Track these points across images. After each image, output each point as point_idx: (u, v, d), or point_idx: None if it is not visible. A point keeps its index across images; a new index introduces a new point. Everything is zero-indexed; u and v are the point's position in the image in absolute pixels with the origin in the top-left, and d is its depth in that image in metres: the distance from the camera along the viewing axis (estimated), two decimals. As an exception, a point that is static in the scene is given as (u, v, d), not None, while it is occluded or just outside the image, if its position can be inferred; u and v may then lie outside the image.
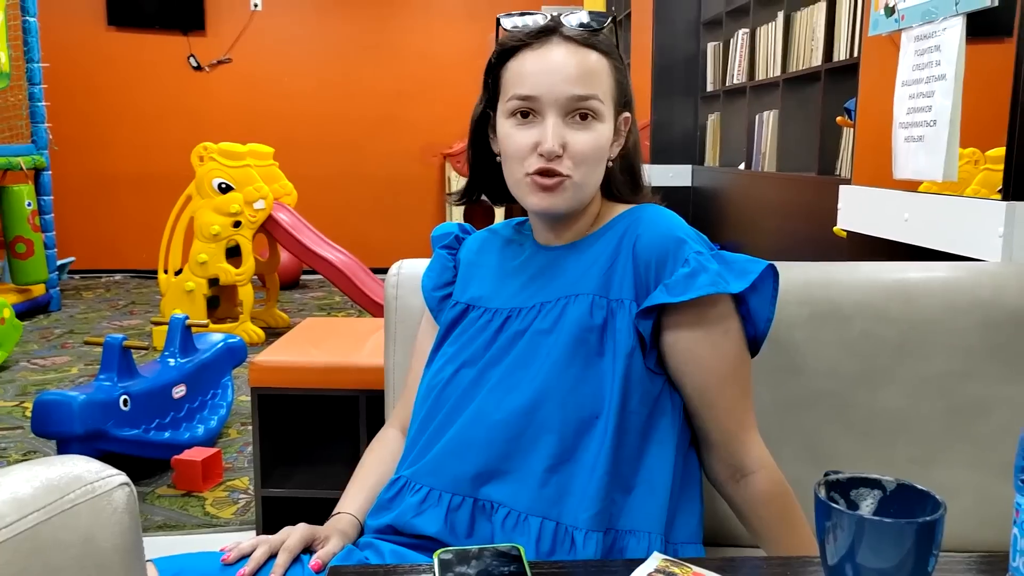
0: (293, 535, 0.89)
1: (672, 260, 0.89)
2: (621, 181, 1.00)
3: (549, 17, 0.92)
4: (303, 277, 6.26)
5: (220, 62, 6.48)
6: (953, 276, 1.22)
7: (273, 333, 4.53)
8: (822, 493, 0.59)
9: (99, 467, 0.54)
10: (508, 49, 0.93)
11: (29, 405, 3.27)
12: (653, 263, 0.90)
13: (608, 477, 0.86)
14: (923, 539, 0.55)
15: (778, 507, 0.93)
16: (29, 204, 4.86)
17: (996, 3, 1.38)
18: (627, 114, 0.97)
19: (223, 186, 4.33)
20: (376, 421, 1.77)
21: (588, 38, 0.91)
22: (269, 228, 4.49)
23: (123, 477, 0.54)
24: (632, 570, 0.66)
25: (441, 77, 6.61)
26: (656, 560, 0.66)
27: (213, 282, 4.39)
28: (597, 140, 0.91)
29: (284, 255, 5.12)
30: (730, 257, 0.91)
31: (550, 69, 0.89)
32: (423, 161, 6.72)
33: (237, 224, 4.34)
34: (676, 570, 0.65)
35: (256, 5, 6.48)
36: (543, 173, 0.90)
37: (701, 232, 0.96)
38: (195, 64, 6.45)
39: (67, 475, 0.51)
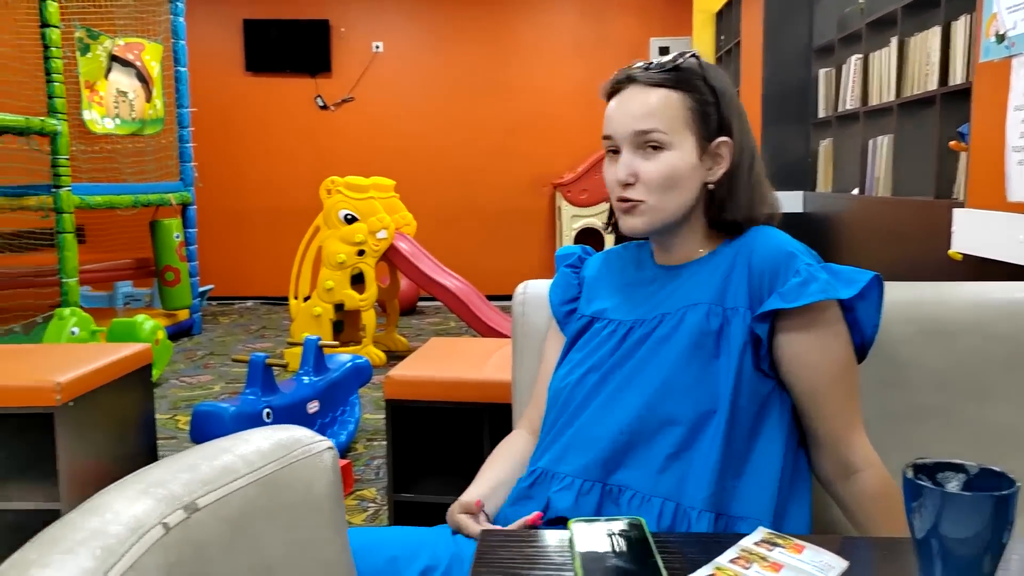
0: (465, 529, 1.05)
1: (784, 271, 0.99)
2: (724, 202, 1.07)
3: (641, 67, 1.07)
4: (419, 303, 6.53)
5: (344, 101, 6.89)
6: (1063, 295, 1.25)
7: (393, 356, 4.77)
8: (910, 474, 0.68)
9: (312, 434, 0.69)
10: (606, 99, 1.10)
11: (181, 417, 3.60)
12: (767, 274, 1.00)
13: (721, 465, 0.96)
14: (999, 512, 0.63)
15: (885, 504, 0.99)
16: (177, 236, 5.32)
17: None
18: (723, 139, 1.06)
19: (349, 217, 4.63)
20: (498, 433, 1.90)
21: (657, 79, 1.05)
22: (391, 256, 4.75)
23: (329, 442, 0.69)
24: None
25: (551, 111, 6.82)
26: (762, 532, 0.76)
27: (339, 307, 4.67)
28: (667, 167, 1.03)
29: (403, 282, 5.38)
30: (838, 268, 1.01)
31: (621, 111, 1.05)
32: (534, 192, 6.92)
33: (361, 253, 4.62)
34: (780, 541, 0.74)
35: (378, 47, 6.88)
36: (622, 200, 1.05)
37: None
38: (321, 104, 6.89)
39: (291, 437, 0.67)
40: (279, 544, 0.60)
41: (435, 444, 2.23)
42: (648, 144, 1.04)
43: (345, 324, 4.96)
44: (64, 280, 4.09)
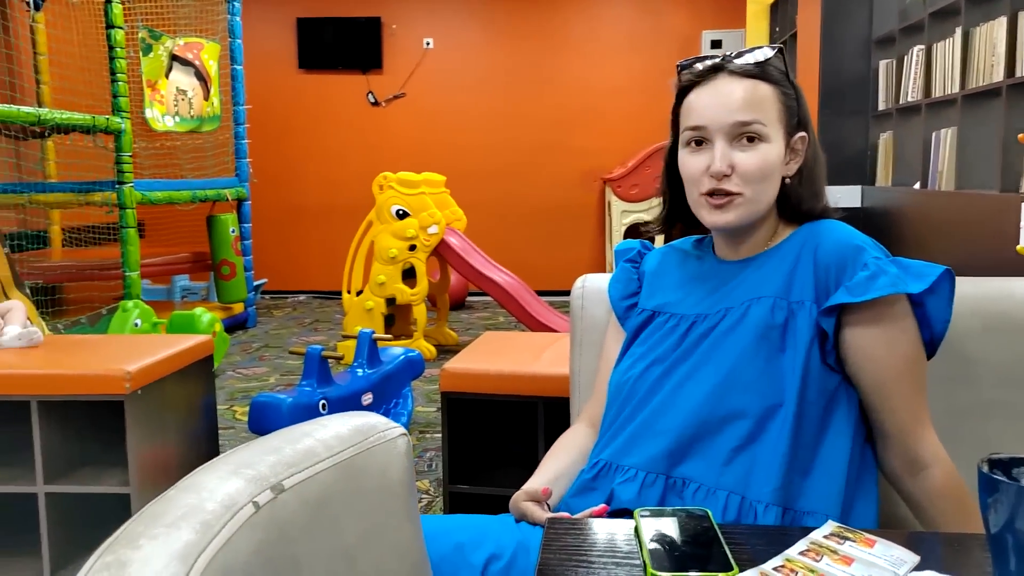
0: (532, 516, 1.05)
1: (852, 264, 0.98)
2: (802, 195, 1.07)
3: (720, 58, 1.05)
4: (469, 298, 6.57)
5: (395, 97, 6.96)
6: None
7: (443, 350, 4.82)
8: (985, 468, 0.67)
9: (386, 421, 0.71)
10: (683, 89, 1.08)
11: (237, 408, 3.69)
12: (833, 267, 0.99)
13: (788, 459, 0.95)
14: (1079, 508, 0.62)
15: (954, 500, 0.98)
16: (233, 231, 5.44)
17: None
18: (802, 134, 1.07)
19: (400, 212, 4.68)
20: (553, 427, 1.91)
21: (751, 70, 1.03)
22: (441, 251, 4.79)
23: (403, 429, 0.71)
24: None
25: (601, 105, 6.79)
26: (831, 526, 0.76)
27: (390, 301, 4.73)
28: (764, 160, 1.02)
29: (453, 277, 5.42)
30: (907, 262, 1.00)
31: (716, 101, 1.02)
32: (584, 187, 6.90)
33: (412, 248, 4.67)
34: (850, 535, 0.74)
35: (428, 43, 6.92)
36: (714, 193, 1.02)
37: None
38: (372, 100, 6.96)
39: (367, 423, 0.69)
40: (357, 528, 0.62)
41: (487, 437, 2.25)
42: (745, 135, 1.01)
43: (396, 318, 5.02)
44: (127, 273, 4.22)
